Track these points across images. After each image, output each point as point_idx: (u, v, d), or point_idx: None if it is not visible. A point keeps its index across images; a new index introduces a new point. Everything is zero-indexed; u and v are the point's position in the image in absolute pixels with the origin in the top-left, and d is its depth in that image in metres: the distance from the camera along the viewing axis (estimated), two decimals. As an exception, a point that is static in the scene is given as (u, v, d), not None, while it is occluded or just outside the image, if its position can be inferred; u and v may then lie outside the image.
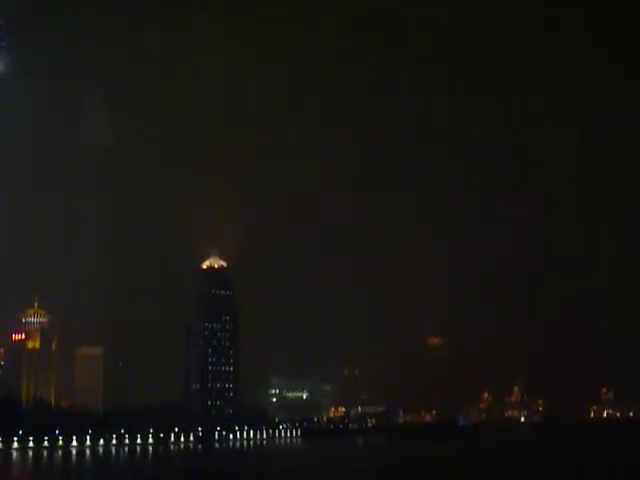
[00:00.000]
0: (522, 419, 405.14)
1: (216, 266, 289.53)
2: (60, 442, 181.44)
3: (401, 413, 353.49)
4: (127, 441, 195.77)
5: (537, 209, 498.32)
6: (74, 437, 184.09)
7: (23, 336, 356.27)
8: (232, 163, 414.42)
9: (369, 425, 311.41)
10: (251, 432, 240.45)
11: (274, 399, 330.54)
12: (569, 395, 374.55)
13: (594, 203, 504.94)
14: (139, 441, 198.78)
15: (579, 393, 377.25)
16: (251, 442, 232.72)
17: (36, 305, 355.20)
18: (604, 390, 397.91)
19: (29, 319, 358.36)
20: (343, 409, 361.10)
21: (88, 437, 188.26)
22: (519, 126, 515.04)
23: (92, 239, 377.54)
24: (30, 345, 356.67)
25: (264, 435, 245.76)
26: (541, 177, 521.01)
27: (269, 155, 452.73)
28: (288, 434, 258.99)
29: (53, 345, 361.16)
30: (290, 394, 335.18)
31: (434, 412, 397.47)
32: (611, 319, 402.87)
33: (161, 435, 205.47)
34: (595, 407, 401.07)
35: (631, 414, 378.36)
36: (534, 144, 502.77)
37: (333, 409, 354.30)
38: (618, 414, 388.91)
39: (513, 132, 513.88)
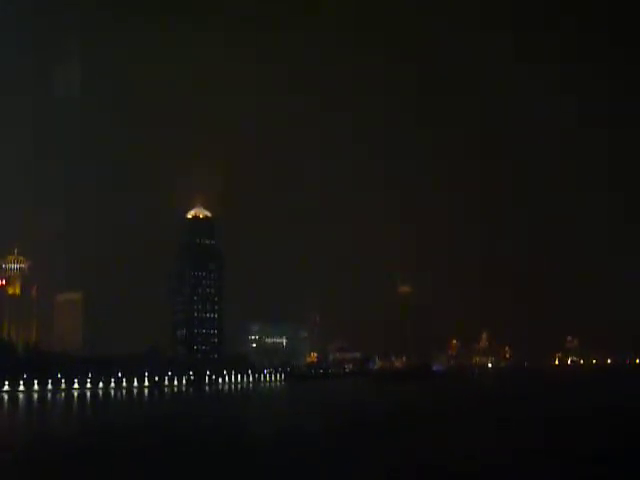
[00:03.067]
0: (489, 365, 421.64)
1: (201, 216, 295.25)
2: (62, 385, 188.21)
3: (376, 359, 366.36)
4: (124, 384, 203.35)
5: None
6: (75, 380, 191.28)
7: (3, 282, 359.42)
8: (218, 115, 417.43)
9: (346, 370, 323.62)
10: (238, 377, 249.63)
11: (254, 345, 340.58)
12: (535, 343, 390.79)
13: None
14: (135, 384, 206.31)
15: (545, 341, 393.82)
16: (238, 386, 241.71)
17: (16, 252, 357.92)
18: (569, 338, 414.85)
19: (9, 265, 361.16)
20: (315, 354, 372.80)
21: (88, 380, 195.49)
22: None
23: (75, 189, 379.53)
24: (10, 291, 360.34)
25: (250, 379, 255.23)
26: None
27: (254, 105, 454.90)
28: (272, 378, 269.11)
29: (33, 291, 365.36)
30: (269, 340, 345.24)
31: (404, 359, 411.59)
32: (580, 269, 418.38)
33: (156, 379, 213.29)
34: (560, 354, 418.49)
35: (594, 361, 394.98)
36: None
37: (311, 355, 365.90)
38: (582, 361, 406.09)
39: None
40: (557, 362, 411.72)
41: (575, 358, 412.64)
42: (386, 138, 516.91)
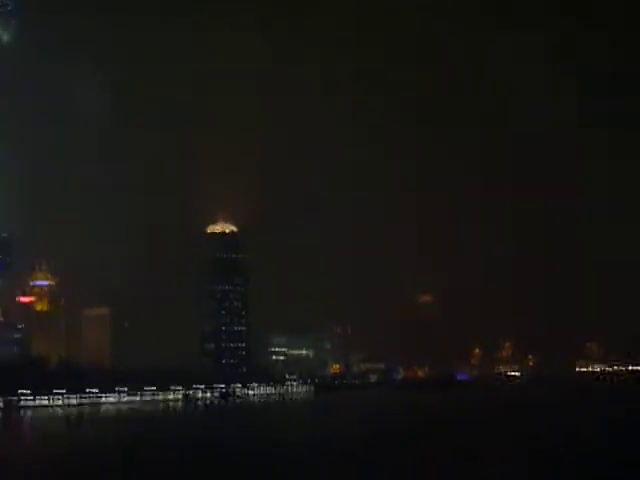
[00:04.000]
0: (513, 374, 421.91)
1: (226, 231, 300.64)
2: (97, 399, 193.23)
3: (400, 370, 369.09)
4: (158, 397, 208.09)
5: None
6: (109, 394, 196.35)
7: (32, 299, 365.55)
8: (241, 130, 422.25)
9: (371, 381, 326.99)
10: (266, 388, 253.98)
11: (279, 357, 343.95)
12: (558, 350, 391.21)
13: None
14: (167, 397, 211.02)
15: (568, 348, 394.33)
16: (267, 397, 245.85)
17: (43, 268, 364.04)
18: (588, 344, 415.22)
19: (37, 282, 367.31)
20: (338, 366, 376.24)
21: (122, 394, 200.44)
22: None
23: (101, 204, 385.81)
24: (39, 307, 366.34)
25: (277, 391, 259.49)
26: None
27: (278, 122, 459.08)
28: (299, 389, 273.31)
29: (61, 307, 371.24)
30: (294, 352, 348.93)
31: (426, 368, 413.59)
32: (599, 275, 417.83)
33: (188, 392, 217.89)
34: (582, 362, 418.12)
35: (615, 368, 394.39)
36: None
37: (334, 366, 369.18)
38: (605, 369, 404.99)
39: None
40: (580, 369, 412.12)
41: (598, 365, 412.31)
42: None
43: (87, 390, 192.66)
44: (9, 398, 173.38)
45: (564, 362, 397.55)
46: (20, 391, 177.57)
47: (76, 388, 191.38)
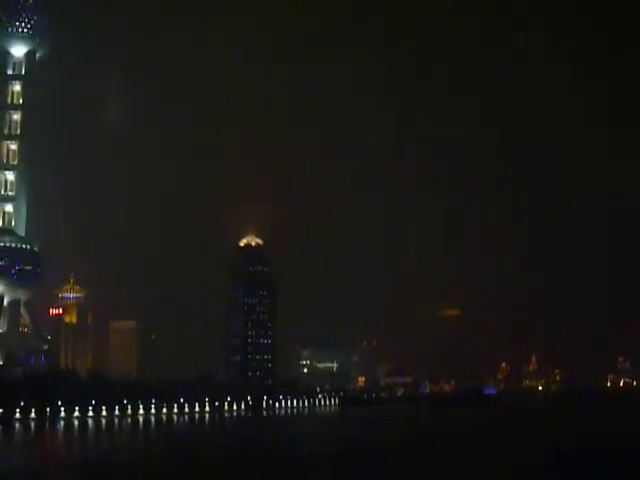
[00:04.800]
0: (540, 388, 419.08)
1: (253, 244, 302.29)
2: (128, 411, 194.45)
3: (427, 383, 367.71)
4: (187, 409, 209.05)
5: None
6: (141, 406, 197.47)
7: (60, 311, 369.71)
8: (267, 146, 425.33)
9: (398, 395, 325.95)
10: (294, 401, 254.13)
11: (305, 370, 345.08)
12: (586, 364, 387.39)
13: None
14: (197, 409, 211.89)
15: (596, 362, 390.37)
16: (294, 410, 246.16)
17: (72, 281, 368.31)
18: (621, 359, 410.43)
19: (65, 294, 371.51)
20: (363, 379, 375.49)
21: (153, 406, 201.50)
22: None
23: (131, 218, 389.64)
24: (67, 319, 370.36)
25: (305, 403, 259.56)
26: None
27: (303, 137, 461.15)
28: (326, 402, 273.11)
29: (88, 319, 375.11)
30: (321, 365, 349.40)
31: (452, 382, 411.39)
32: (626, 289, 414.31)
33: (216, 404, 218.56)
34: (612, 376, 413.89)
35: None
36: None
37: (359, 379, 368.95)
38: (635, 383, 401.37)
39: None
40: (609, 384, 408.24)
41: (628, 379, 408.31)
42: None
43: (120, 402, 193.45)
44: (44, 410, 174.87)
45: (593, 376, 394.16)
46: (54, 403, 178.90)
47: (108, 400, 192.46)
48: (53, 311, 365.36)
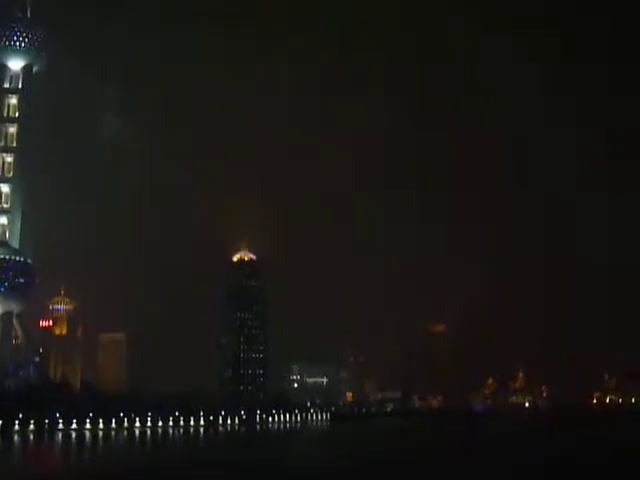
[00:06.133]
0: (527, 404, 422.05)
1: (246, 259, 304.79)
2: (125, 424, 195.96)
3: (415, 399, 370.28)
4: (181, 423, 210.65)
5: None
6: (136, 419, 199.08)
7: (50, 323, 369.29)
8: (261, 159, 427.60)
9: (388, 410, 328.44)
10: (286, 416, 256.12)
11: (295, 385, 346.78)
12: (572, 381, 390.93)
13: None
14: (192, 423, 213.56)
15: (582, 379, 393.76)
16: (286, 425, 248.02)
17: (62, 293, 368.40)
18: (606, 377, 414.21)
19: (56, 306, 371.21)
20: (352, 394, 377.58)
21: (148, 419, 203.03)
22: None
23: (121, 230, 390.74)
24: (57, 331, 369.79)
25: (297, 418, 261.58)
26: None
27: (299, 153, 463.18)
28: (316, 417, 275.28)
29: (78, 331, 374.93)
30: (310, 379, 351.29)
31: (439, 398, 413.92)
32: (613, 307, 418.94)
33: (210, 418, 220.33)
34: (598, 393, 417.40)
35: (633, 400, 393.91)
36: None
37: (349, 394, 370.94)
38: (620, 400, 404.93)
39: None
40: (595, 401, 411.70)
41: (613, 397, 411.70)
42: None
43: (116, 415, 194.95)
44: (42, 422, 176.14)
45: (579, 393, 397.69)
46: (52, 415, 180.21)
47: (104, 413, 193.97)
48: (43, 323, 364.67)
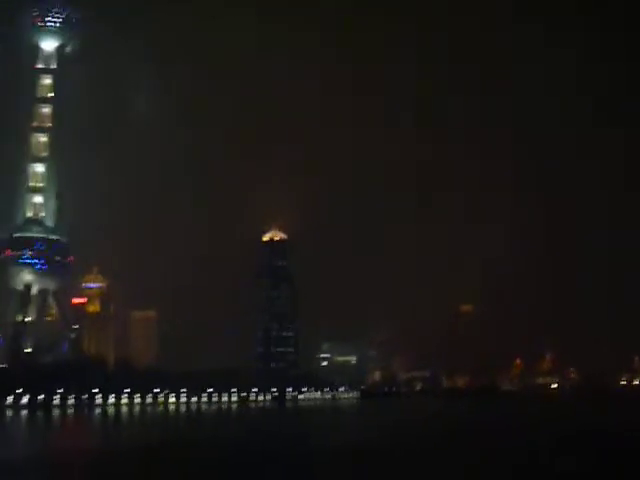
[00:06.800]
0: (554, 385, 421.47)
1: (276, 238, 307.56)
2: (161, 399, 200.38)
3: (444, 378, 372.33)
4: (215, 399, 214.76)
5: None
6: (173, 394, 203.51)
7: (84, 300, 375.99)
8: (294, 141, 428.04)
9: (417, 389, 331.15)
10: (317, 393, 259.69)
11: (325, 363, 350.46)
12: (601, 363, 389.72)
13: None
14: (224, 399, 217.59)
15: (612, 360, 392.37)
16: (317, 402, 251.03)
17: (95, 270, 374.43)
18: (636, 358, 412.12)
19: (89, 284, 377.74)
20: (380, 373, 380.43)
21: (184, 395, 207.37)
22: None
23: (155, 208, 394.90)
24: (91, 308, 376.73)
25: (327, 396, 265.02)
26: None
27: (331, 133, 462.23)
28: (346, 395, 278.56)
29: (111, 309, 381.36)
30: (340, 358, 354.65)
31: (467, 378, 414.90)
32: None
33: (243, 394, 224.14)
34: (626, 375, 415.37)
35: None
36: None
37: (377, 373, 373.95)
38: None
39: None
40: (625, 383, 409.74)
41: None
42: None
43: (151, 391, 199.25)
44: (80, 397, 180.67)
45: (608, 375, 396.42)
46: (90, 390, 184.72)
47: (139, 389, 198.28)
48: (77, 300, 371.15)
